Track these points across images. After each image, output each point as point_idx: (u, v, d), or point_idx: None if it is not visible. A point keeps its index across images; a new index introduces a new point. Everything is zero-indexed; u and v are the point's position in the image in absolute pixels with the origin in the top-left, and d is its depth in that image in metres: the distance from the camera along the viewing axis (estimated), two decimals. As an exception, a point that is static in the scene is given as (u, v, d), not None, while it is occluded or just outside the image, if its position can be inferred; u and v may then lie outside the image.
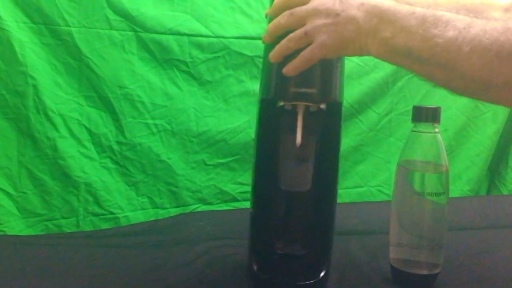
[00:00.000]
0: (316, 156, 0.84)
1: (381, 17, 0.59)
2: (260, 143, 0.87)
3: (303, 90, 0.79)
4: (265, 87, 0.83)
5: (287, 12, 0.64)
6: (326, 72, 0.80)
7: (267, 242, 0.94)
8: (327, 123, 0.86)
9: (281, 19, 0.64)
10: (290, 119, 0.82)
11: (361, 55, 0.64)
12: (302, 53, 0.64)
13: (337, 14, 0.60)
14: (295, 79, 0.78)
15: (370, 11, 0.60)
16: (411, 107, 1.45)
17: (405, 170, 0.86)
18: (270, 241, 0.94)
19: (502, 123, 1.54)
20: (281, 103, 0.81)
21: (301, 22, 0.62)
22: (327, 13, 0.60)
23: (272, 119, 0.85)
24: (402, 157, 0.88)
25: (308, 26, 0.62)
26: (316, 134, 0.85)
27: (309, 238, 0.94)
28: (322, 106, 0.81)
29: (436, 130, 0.85)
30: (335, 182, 0.88)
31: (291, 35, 0.64)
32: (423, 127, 0.86)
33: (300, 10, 0.62)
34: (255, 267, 0.89)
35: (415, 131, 0.87)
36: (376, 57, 0.63)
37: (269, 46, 0.80)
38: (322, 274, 0.88)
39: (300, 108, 0.82)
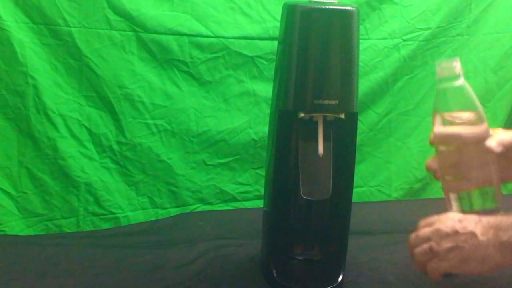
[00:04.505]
0: (335, 164, 0.86)
1: (497, 226, 0.70)
2: (279, 152, 0.88)
3: (324, 102, 0.81)
4: (283, 98, 0.84)
5: (413, 236, 0.75)
6: (345, 84, 0.82)
7: (287, 248, 0.96)
8: (345, 132, 0.88)
9: (410, 238, 0.75)
10: (311, 130, 0.85)
11: (487, 267, 0.72)
12: (429, 264, 0.74)
13: (457, 232, 0.71)
14: (316, 91, 0.81)
15: (485, 225, 0.70)
16: (411, 107, 1.46)
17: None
18: (289, 247, 0.96)
19: (502, 123, 1.54)
20: (302, 115, 0.83)
21: (427, 241, 0.74)
22: (448, 233, 0.71)
23: (292, 129, 0.87)
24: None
25: (433, 244, 0.73)
26: (336, 144, 0.86)
27: (327, 243, 0.96)
28: (342, 116, 0.84)
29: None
30: (351, 188, 0.90)
31: (418, 250, 0.74)
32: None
33: (424, 232, 0.74)
34: (275, 273, 0.90)
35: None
36: (502, 264, 0.71)
37: (282, 53, 0.82)
38: (340, 278, 0.89)
39: (320, 119, 0.84)
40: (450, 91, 0.74)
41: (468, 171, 0.73)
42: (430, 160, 0.78)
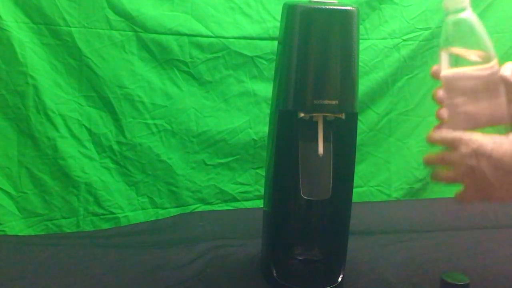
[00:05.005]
0: (335, 164, 0.86)
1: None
2: (279, 152, 0.88)
3: (324, 102, 0.81)
4: (283, 98, 0.84)
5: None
6: (345, 84, 0.82)
7: (287, 248, 0.96)
8: (345, 132, 0.88)
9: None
10: (311, 130, 0.85)
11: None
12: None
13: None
14: (316, 91, 0.81)
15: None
16: (411, 107, 1.46)
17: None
18: (289, 247, 0.96)
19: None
20: (302, 115, 0.83)
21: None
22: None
23: (292, 129, 0.87)
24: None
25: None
26: (336, 144, 0.86)
27: (327, 243, 0.96)
28: (342, 116, 0.84)
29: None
30: (351, 188, 0.90)
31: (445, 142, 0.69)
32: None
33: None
34: (275, 273, 0.90)
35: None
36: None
37: (282, 53, 0.82)
38: (340, 278, 0.89)
39: (320, 119, 0.84)
40: (455, 24, 0.69)
41: (475, 103, 0.68)
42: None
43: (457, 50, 0.70)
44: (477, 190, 0.68)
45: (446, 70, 0.70)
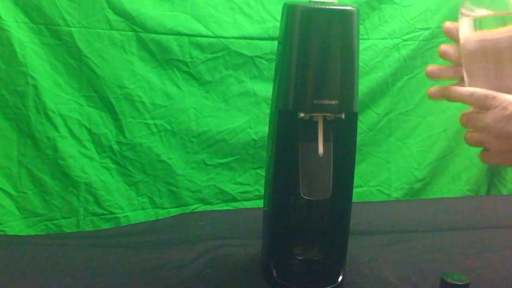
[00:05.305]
0: (335, 164, 0.86)
1: None
2: (279, 152, 0.89)
3: (324, 102, 0.82)
4: (283, 98, 0.84)
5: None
6: (345, 84, 0.82)
7: (287, 248, 0.96)
8: (345, 132, 0.88)
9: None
10: (311, 130, 0.85)
11: None
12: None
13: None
14: (316, 91, 0.81)
15: None
16: (411, 107, 1.46)
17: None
18: (289, 247, 0.96)
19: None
20: (302, 115, 0.83)
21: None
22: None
23: (292, 129, 0.87)
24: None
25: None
26: (336, 144, 0.87)
27: (327, 243, 0.96)
28: (342, 116, 0.84)
29: None
30: (351, 188, 0.90)
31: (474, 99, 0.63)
32: None
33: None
34: (275, 273, 0.90)
35: None
36: None
37: (282, 53, 0.82)
38: (340, 278, 0.90)
39: (320, 119, 0.84)
40: None
41: (499, 70, 0.63)
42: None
43: (482, 12, 0.64)
44: (503, 154, 0.62)
45: (467, 32, 0.64)
